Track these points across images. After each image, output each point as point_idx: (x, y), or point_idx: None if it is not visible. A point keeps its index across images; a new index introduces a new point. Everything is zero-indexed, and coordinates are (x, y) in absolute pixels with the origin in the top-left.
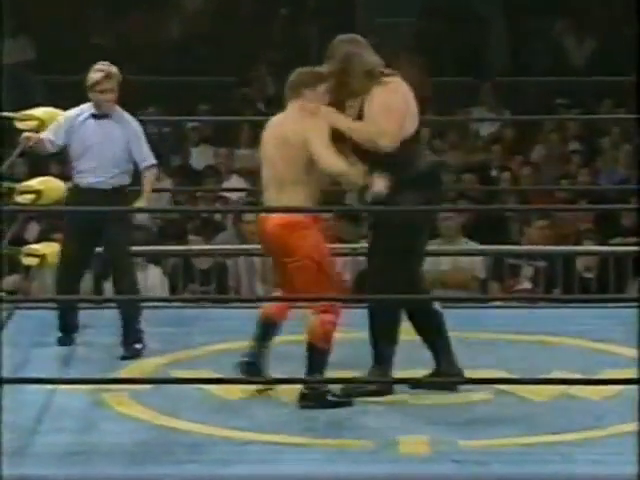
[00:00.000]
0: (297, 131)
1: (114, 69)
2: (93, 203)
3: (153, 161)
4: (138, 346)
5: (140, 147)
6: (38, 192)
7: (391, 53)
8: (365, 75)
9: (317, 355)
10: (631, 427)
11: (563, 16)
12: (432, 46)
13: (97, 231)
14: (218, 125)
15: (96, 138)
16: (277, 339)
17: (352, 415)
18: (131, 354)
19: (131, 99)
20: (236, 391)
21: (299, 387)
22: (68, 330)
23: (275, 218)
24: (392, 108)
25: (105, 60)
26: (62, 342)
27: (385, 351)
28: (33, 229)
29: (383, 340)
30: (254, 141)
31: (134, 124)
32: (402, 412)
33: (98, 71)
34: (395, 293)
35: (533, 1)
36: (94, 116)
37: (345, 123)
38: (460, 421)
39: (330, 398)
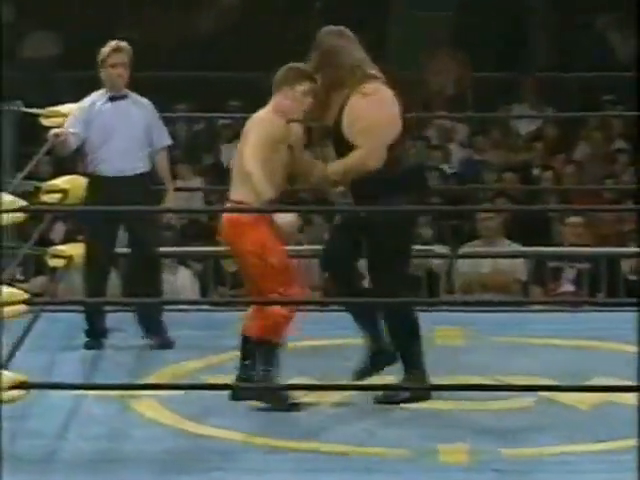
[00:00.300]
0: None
1: (124, 43)
2: (119, 193)
3: (170, 141)
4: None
5: (160, 126)
6: (64, 191)
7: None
8: (350, 70)
9: (268, 350)
10: None
11: (607, 11)
12: (471, 40)
13: (123, 225)
14: None
15: (117, 122)
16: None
17: (390, 423)
18: (159, 343)
19: (161, 96)
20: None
21: (334, 394)
22: (96, 334)
23: (225, 217)
24: (373, 126)
25: (134, 55)
26: (90, 346)
27: (413, 355)
28: (59, 230)
29: (407, 344)
30: None
31: (148, 103)
32: (441, 420)
33: (108, 46)
34: (394, 296)
35: None
36: (110, 99)
37: (336, 168)
38: (501, 429)
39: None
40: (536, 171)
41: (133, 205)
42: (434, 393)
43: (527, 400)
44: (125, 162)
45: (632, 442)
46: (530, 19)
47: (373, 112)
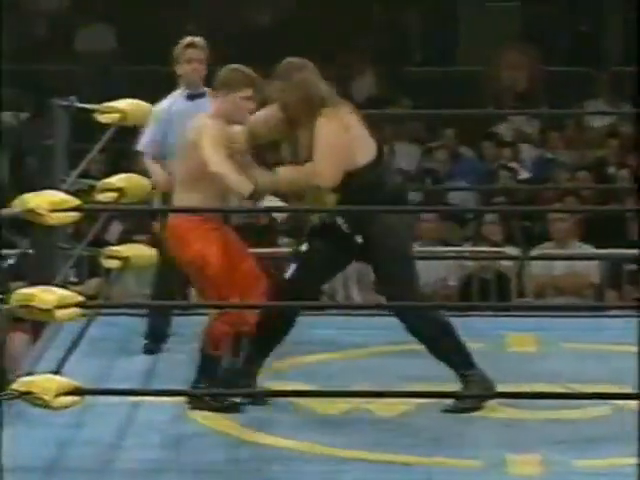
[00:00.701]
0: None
1: (199, 39)
2: None
3: None
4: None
5: None
6: (120, 190)
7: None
8: (319, 101)
9: (207, 362)
10: None
11: None
12: (541, 32)
13: None
14: None
15: None
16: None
17: (458, 432)
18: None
19: None
20: (333, 405)
21: (399, 401)
22: (156, 338)
23: (168, 225)
24: (332, 147)
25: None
26: (149, 350)
27: (450, 355)
28: (115, 230)
29: (448, 350)
30: None
31: None
32: (512, 429)
33: (184, 41)
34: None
35: None
36: (189, 97)
37: (286, 173)
38: (574, 439)
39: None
40: (611, 169)
41: None
42: (504, 401)
43: (601, 409)
44: None
45: None
46: (605, 10)
47: (332, 134)
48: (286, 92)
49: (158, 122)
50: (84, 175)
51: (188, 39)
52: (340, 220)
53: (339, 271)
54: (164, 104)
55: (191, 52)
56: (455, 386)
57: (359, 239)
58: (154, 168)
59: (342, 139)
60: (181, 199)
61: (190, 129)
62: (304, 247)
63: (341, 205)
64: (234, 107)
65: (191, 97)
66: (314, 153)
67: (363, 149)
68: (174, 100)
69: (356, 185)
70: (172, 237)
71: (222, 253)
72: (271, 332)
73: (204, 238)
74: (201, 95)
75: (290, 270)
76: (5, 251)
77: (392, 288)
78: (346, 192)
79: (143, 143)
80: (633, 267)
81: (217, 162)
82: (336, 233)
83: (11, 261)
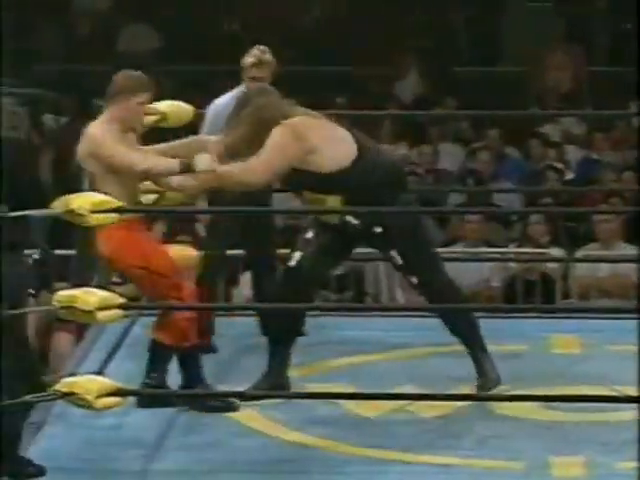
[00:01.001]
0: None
1: (267, 56)
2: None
3: None
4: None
5: None
6: (160, 192)
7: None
8: (269, 124)
9: (164, 352)
10: None
11: None
12: (584, 32)
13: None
14: (356, 119)
15: None
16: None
17: (501, 433)
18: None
19: None
20: (373, 407)
21: (440, 403)
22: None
23: (99, 233)
24: (273, 148)
25: (236, 48)
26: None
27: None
28: (156, 231)
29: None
30: (397, 137)
31: None
32: (555, 431)
33: (251, 56)
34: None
35: None
36: None
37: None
38: (618, 441)
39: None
40: None
41: None
42: (547, 403)
43: None
44: None
45: None
46: None
47: (278, 137)
48: (245, 119)
49: (210, 122)
50: None
51: (257, 54)
52: (349, 217)
53: (342, 259)
54: (221, 101)
55: (257, 71)
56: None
57: (378, 229)
58: None
59: (289, 145)
60: None
61: (82, 139)
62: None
63: (347, 205)
64: (131, 113)
65: None
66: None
67: (334, 151)
68: (230, 101)
69: (350, 183)
70: (108, 244)
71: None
72: (283, 329)
73: (139, 238)
74: None
75: (294, 258)
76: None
77: (422, 269)
78: (345, 191)
79: None
80: None
81: (136, 158)
82: (346, 228)
83: (35, 256)
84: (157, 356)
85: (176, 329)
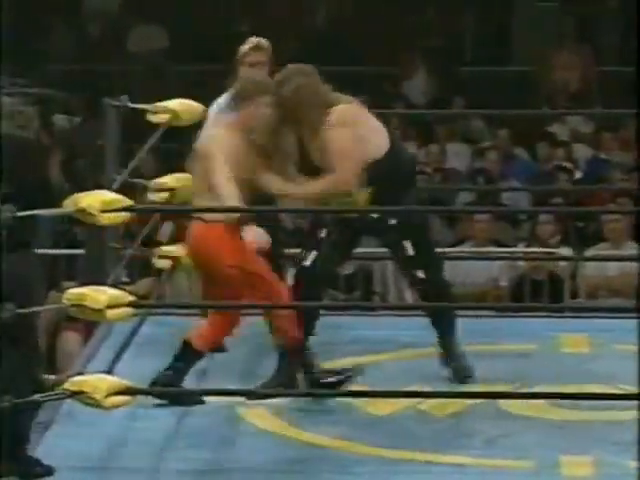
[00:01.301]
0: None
1: (264, 41)
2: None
3: None
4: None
5: None
6: (172, 190)
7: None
8: (315, 108)
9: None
10: None
11: None
12: (593, 32)
13: None
14: None
15: None
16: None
17: (510, 432)
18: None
19: None
20: (384, 406)
21: (451, 402)
22: None
23: (195, 234)
24: (346, 151)
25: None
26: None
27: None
28: (166, 229)
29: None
30: (404, 136)
31: None
32: (564, 430)
33: (248, 42)
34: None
35: None
36: None
37: (306, 189)
38: (627, 440)
39: None
40: None
41: None
42: (556, 402)
43: None
44: None
45: None
46: None
47: (343, 139)
48: (287, 98)
49: (209, 120)
50: (135, 175)
51: (253, 40)
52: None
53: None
54: (214, 107)
55: (255, 55)
56: (506, 387)
57: (392, 221)
58: None
59: (351, 140)
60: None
61: (205, 137)
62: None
63: (374, 197)
64: (255, 117)
65: None
66: (331, 161)
67: (377, 140)
68: (225, 102)
69: (381, 175)
70: (204, 245)
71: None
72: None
73: (237, 241)
74: None
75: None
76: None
77: (430, 264)
78: (375, 183)
79: None
80: None
81: (222, 176)
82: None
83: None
84: (185, 357)
85: (289, 324)
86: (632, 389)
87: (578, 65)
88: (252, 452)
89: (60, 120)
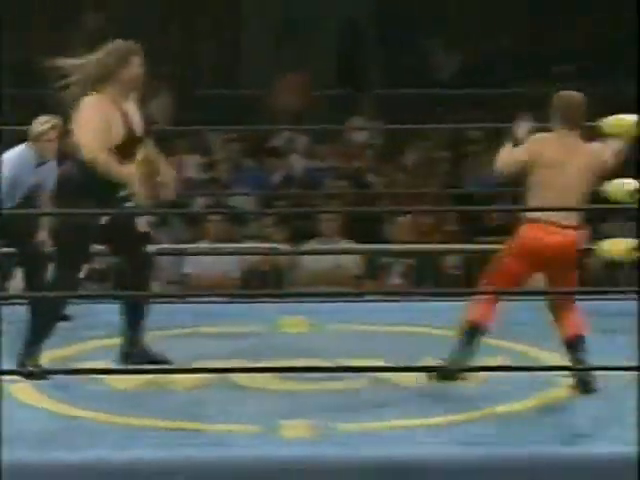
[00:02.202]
0: None
1: (57, 120)
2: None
3: None
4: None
5: None
6: None
7: None
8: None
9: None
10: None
11: (432, 34)
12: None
13: None
14: None
15: None
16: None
17: (240, 402)
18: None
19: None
20: (125, 382)
21: (187, 377)
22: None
23: (567, 240)
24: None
25: None
26: None
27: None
28: None
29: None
30: None
31: None
32: (285, 399)
33: (44, 122)
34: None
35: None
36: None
37: None
38: (340, 406)
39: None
40: (371, 177)
41: None
42: (279, 375)
43: (361, 381)
44: None
45: (459, 416)
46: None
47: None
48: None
49: None
50: None
51: (49, 122)
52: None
53: None
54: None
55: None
56: (238, 362)
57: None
58: None
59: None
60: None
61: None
62: None
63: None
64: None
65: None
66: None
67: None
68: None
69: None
70: (572, 250)
71: None
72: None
73: None
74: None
75: None
76: None
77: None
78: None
79: None
80: (387, 260)
81: None
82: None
83: None
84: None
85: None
86: (343, 362)
87: (298, 88)
88: (18, 423)
89: None
